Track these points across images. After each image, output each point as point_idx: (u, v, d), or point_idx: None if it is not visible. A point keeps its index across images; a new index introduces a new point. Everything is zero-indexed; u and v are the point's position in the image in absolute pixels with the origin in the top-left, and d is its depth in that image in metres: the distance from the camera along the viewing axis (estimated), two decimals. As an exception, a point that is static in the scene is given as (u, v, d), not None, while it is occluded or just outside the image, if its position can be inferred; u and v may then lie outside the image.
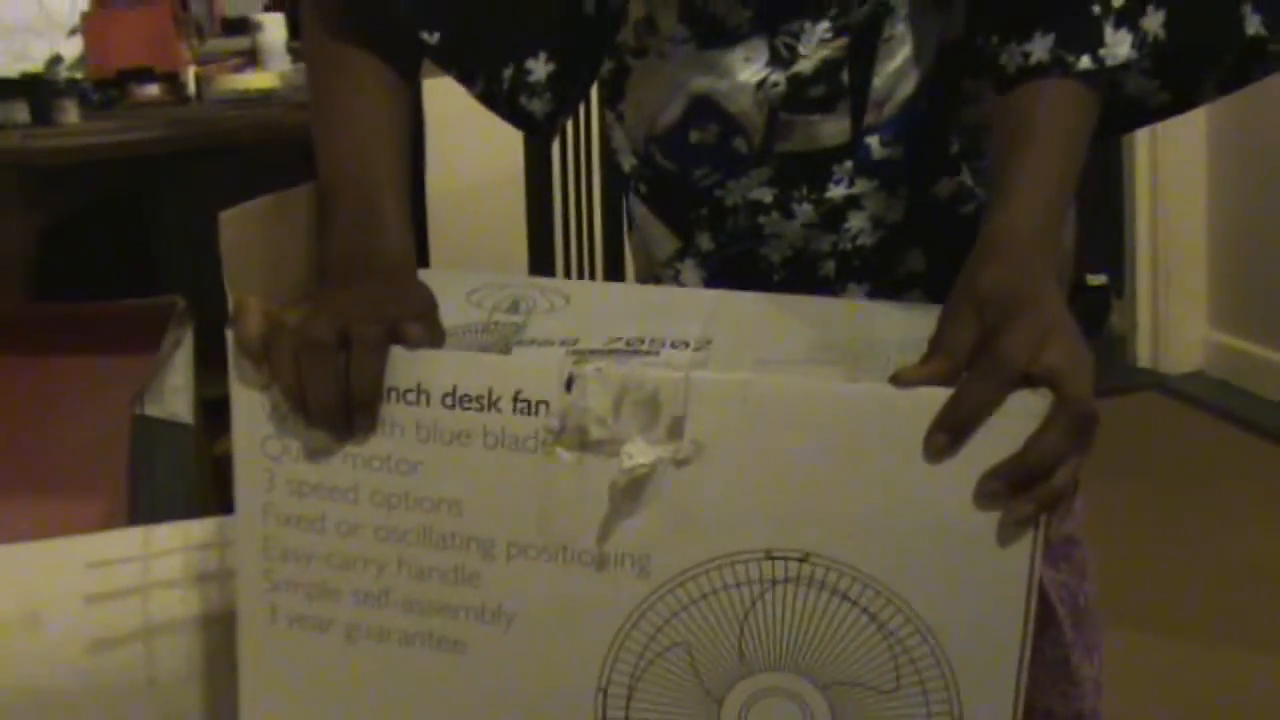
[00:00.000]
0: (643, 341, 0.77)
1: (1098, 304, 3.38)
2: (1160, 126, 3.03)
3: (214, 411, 1.46)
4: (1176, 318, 3.13)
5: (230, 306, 0.74)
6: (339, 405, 0.73)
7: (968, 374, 0.71)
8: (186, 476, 1.49)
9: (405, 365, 0.73)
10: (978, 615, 0.71)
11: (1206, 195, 3.07)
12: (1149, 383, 3.07)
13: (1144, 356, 3.17)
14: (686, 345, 0.76)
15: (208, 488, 1.53)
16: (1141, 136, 3.06)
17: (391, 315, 0.74)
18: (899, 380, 0.71)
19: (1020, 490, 0.70)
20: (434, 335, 0.76)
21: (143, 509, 1.43)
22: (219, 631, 0.90)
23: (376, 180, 0.82)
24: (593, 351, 0.75)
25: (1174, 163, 3.07)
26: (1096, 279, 3.36)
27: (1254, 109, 2.80)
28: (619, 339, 0.77)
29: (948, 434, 0.70)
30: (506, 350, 0.75)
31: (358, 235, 0.80)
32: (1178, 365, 3.12)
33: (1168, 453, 2.71)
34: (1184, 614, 2.04)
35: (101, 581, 0.93)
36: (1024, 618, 0.71)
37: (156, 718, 0.91)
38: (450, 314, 0.79)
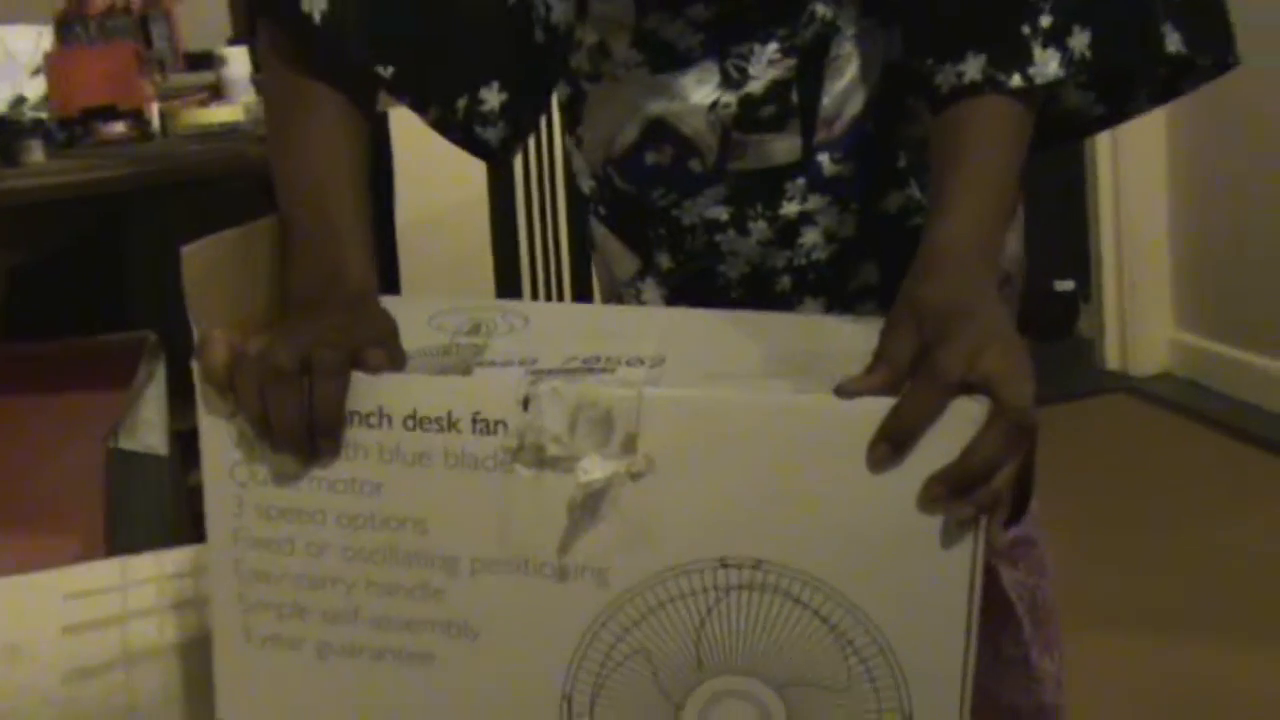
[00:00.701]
0: (599, 360, 0.79)
1: (1066, 309, 3.42)
2: (1121, 133, 3.10)
3: (187, 444, 1.47)
4: (1143, 320, 3.17)
5: (195, 339, 0.76)
6: (303, 431, 0.74)
7: (908, 385, 0.74)
8: (162, 507, 1.50)
9: (366, 390, 0.75)
10: (923, 614, 0.74)
11: (1168, 199, 3.12)
12: (1117, 385, 3.11)
13: (1112, 359, 3.21)
14: (642, 362, 0.79)
15: (184, 518, 1.54)
16: (1103, 144, 3.11)
17: (352, 341, 0.76)
18: (842, 391, 0.73)
19: (960, 494, 0.72)
20: (395, 360, 0.77)
21: (120, 540, 1.44)
22: (196, 657, 0.91)
23: (336, 210, 0.84)
24: (550, 371, 0.77)
25: (1136, 168, 3.11)
26: (1064, 285, 3.40)
27: (1213, 113, 2.84)
28: (576, 358, 0.79)
29: (889, 444, 0.72)
30: (467, 371, 0.77)
31: (318, 264, 0.82)
32: (1145, 367, 3.15)
33: (1137, 453, 2.75)
34: (1154, 611, 2.06)
35: (79, 612, 0.95)
36: (967, 615, 0.74)
37: (136, 743, 0.92)
38: (412, 338, 0.81)
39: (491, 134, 0.92)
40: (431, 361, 0.79)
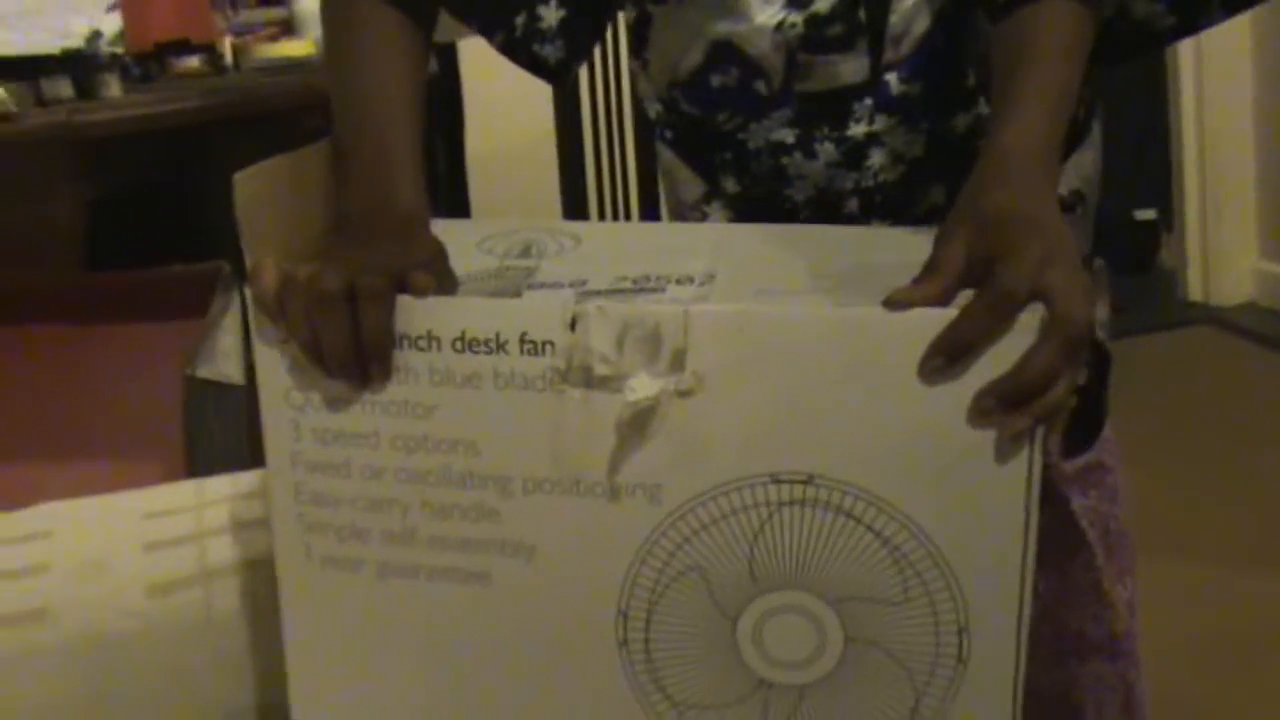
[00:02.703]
0: (649, 279, 0.79)
1: (1147, 239, 3.34)
2: (1205, 58, 3.01)
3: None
4: (1226, 249, 3.09)
5: (248, 265, 0.77)
6: (352, 356, 0.75)
7: (973, 298, 0.72)
8: (240, 434, 1.53)
9: (415, 313, 0.75)
10: (979, 528, 0.73)
11: (1254, 125, 3.03)
12: (1200, 316, 3.05)
13: (1195, 290, 3.14)
14: (691, 281, 0.78)
15: (261, 446, 1.56)
16: (1187, 70, 3.03)
17: (398, 266, 0.76)
18: (892, 303, 0.72)
19: (1013, 407, 0.71)
20: (444, 283, 0.78)
21: (199, 467, 1.47)
22: (270, 574, 0.94)
23: (388, 132, 0.84)
24: (599, 292, 0.77)
25: (1220, 95, 3.03)
26: (1145, 214, 3.33)
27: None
28: (625, 278, 0.79)
29: (946, 357, 0.71)
30: (517, 294, 0.78)
31: (370, 189, 0.82)
32: (1229, 297, 3.08)
33: (1219, 385, 2.69)
34: (1234, 541, 2.04)
35: (159, 530, 0.98)
36: (1024, 528, 0.73)
37: (214, 655, 0.95)
38: (462, 262, 0.81)
39: (549, 51, 0.92)
40: (482, 285, 0.79)
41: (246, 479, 1.02)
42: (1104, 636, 1.15)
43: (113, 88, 1.63)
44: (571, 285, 0.78)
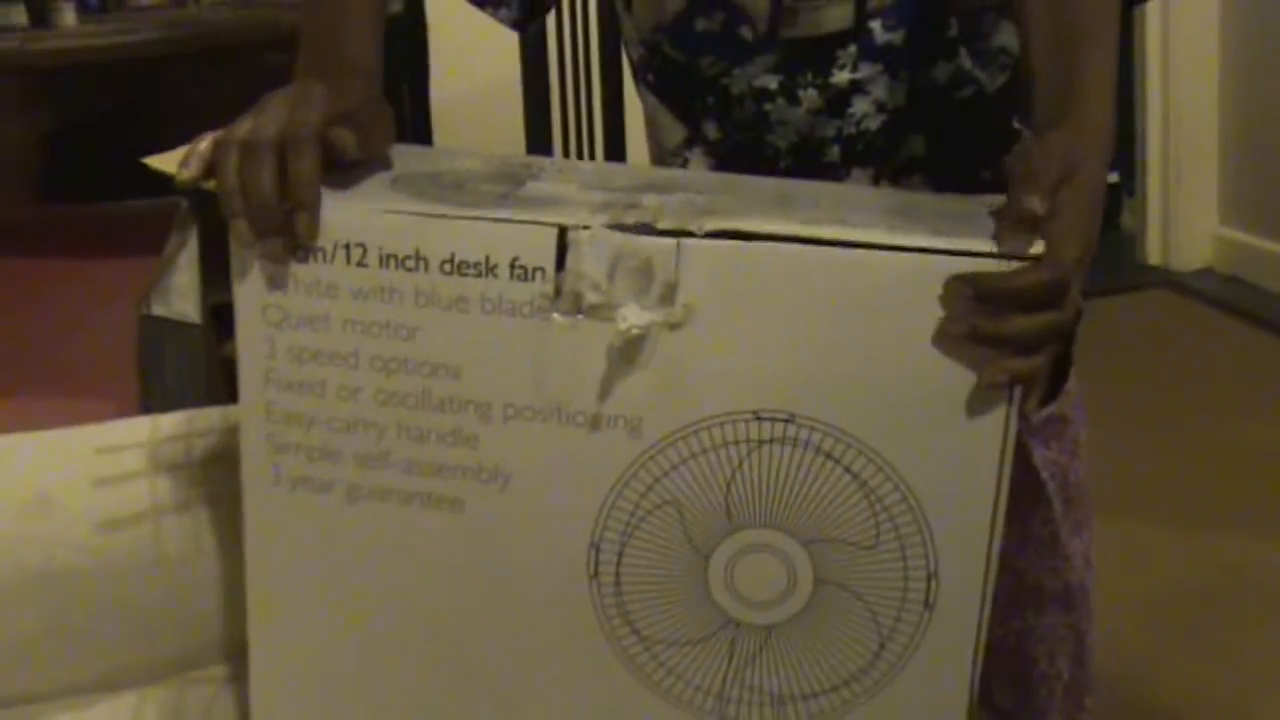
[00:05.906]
0: (652, 184, 0.78)
1: (1109, 202, 3.36)
2: (1173, 23, 3.01)
3: (221, 317, 1.46)
4: (1186, 214, 3.12)
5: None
6: (276, 202, 0.72)
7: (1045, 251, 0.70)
8: (197, 375, 1.51)
9: (403, 232, 0.73)
10: (954, 476, 0.73)
11: (1218, 91, 3.05)
12: (1159, 280, 3.08)
13: (1154, 254, 3.17)
14: (689, 191, 0.77)
15: (218, 388, 1.54)
16: (1153, 35, 3.04)
17: (326, 112, 0.73)
18: (1002, 248, 0.70)
19: (981, 340, 0.71)
20: (370, 135, 0.75)
21: (154, 407, 1.45)
22: (223, 512, 0.92)
23: (350, 5, 0.83)
24: (609, 190, 0.76)
25: (1186, 61, 3.04)
26: (1107, 177, 3.35)
27: (1268, 3, 2.76)
28: (625, 189, 0.77)
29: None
30: (521, 184, 0.76)
31: (319, 44, 0.81)
32: (1188, 262, 3.11)
33: (1177, 349, 2.72)
34: (1189, 503, 2.06)
35: (110, 466, 0.95)
36: (997, 482, 0.73)
37: (165, 594, 0.93)
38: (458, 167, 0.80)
39: (504, 15, 0.92)
40: (485, 173, 0.78)
41: (202, 416, 1.00)
42: (1060, 588, 1.16)
43: (68, 16, 1.59)
44: (575, 184, 0.76)
